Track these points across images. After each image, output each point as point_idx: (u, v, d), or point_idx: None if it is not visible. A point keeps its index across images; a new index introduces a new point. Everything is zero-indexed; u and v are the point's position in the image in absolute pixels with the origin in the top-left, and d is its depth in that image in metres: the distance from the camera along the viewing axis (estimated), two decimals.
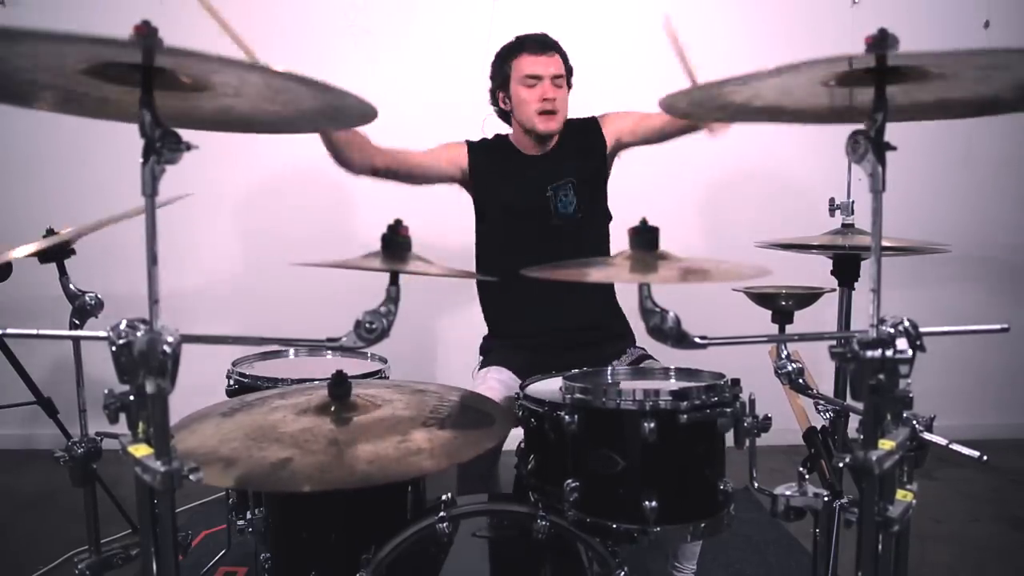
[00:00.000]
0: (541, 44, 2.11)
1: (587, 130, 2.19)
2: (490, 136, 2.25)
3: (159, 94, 0.86)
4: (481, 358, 2.19)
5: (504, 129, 2.26)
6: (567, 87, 2.15)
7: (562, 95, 2.11)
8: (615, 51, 3.39)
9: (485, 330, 2.29)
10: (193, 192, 1.29)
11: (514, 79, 2.12)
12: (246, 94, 0.97)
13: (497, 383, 1.94)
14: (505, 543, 1.40)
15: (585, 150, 2.17)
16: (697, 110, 1.10)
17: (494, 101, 2.21)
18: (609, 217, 2.23)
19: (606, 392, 1.35)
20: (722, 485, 1.35)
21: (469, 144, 2.21)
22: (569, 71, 2.16)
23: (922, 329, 0.91)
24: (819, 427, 1.52)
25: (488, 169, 2.17)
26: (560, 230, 2.11)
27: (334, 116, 1.07)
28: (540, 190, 2.12)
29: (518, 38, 2.15)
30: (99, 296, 1.47)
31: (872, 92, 0.91)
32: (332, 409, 1.29)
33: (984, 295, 3.57)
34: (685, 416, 1.30)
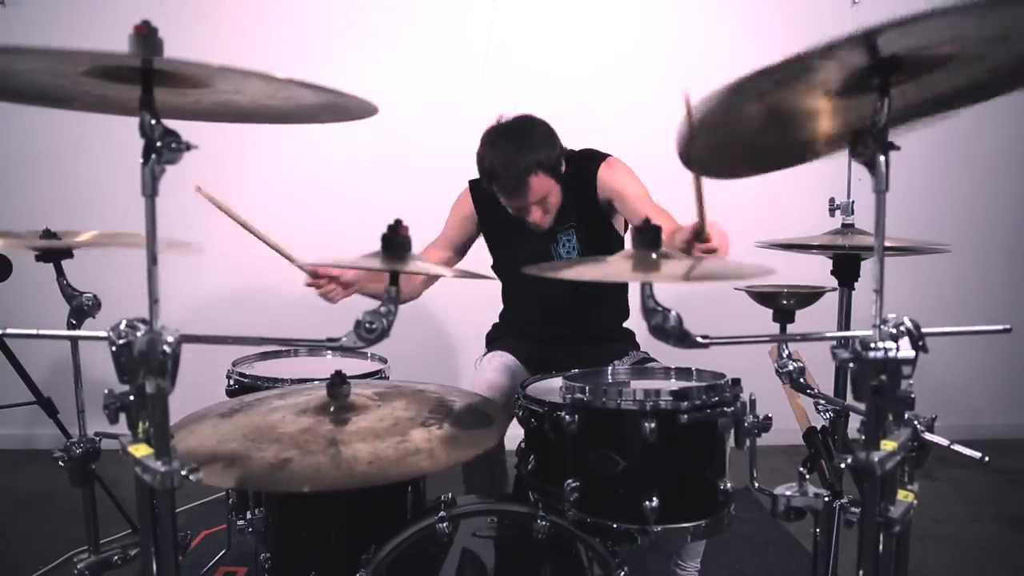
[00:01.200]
0: (512, 188, 1.90)
1: (583, 176, 2.02)
2: None
3: (159, 90, 0.86)
4: (486, 348, 2.21)
5: None
6: (557, 182, 1.96)
7: (551, 202, 1.96)
8: (615, 50, 3.39)
9: (486, 329, 2.30)
10: (203, 249, 1.29)
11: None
12: (246, 92, 0.97)
13: (501, 365, 1.95)
14: (505, 543, 1.40)
15: (581, 196, 2.04)
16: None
17: None
18: (620, 239, 2.15)
19: (606, 392, 1.35)
20: (722, 485, 1.35)
21: (472, 185, 2.13)
22: (555, 172, 1.94)
23: (924, 330, 0.91)
24: (819, 427, 1.51)
25: (492, 215, 2.11)
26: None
27: (335, 111, 1.07)
28: (542, 240, 2.07)
29: (486, 170, 1.92)
30: (97, 296, 1.46)
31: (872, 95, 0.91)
32: (331, 409, 1.29)
33: (984, 295, 3.56)
34: (685, 416, 1.30)
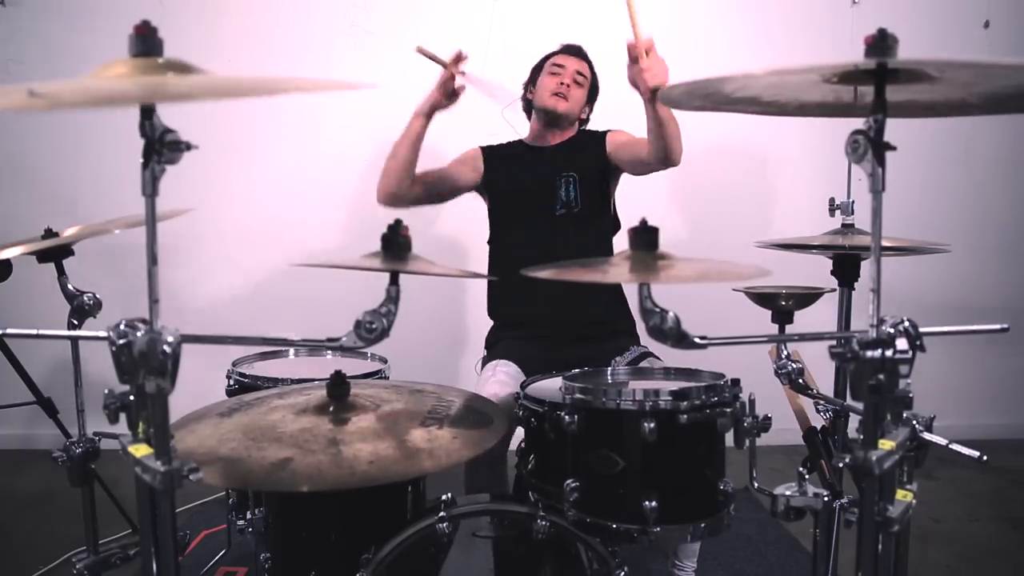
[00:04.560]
0: (575, 49, 2.35)
1: (594, 139, 2.31)
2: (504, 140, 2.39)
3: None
4: (486, 352, 2.21)
5: (515, 134, 2.39)
6: (587, 92, 2.32)
7: (578, 92, 2.27)
8: (614, 50, 3.38)
9: (485, 330, 2.30)
10: (195, 207, 1.30)
11: (543, 71, 2.32)
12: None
13: (505, 376, 1.95)
14: (505, 543, 1.40)
15: (589, 153, 2.27)
16: (692, 100, 1.11)
17: (524, 95, 2.40)
18: (617, 227, 2.34)
19: (606, 392, 1.35)
20: (722, 485, 1.35)
21: (483, 149, 2.35)
22: (594, 84, 2.35)
23: (922, 329, 0.91)
24: (819, 427, 1.52)
25: (502, 164, 2.31)
26: (563, 220, 2.20)
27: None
28: (549, 177, 2.23)
29: (561, 45, 2.37)
30: (97, 296, 1.47)
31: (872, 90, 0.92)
32: (331, 409, 1.29)
33: (983, 294, 3.56)
34: (685, 416, 1.30)
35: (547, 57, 2.36)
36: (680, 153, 1.99)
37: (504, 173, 2.31)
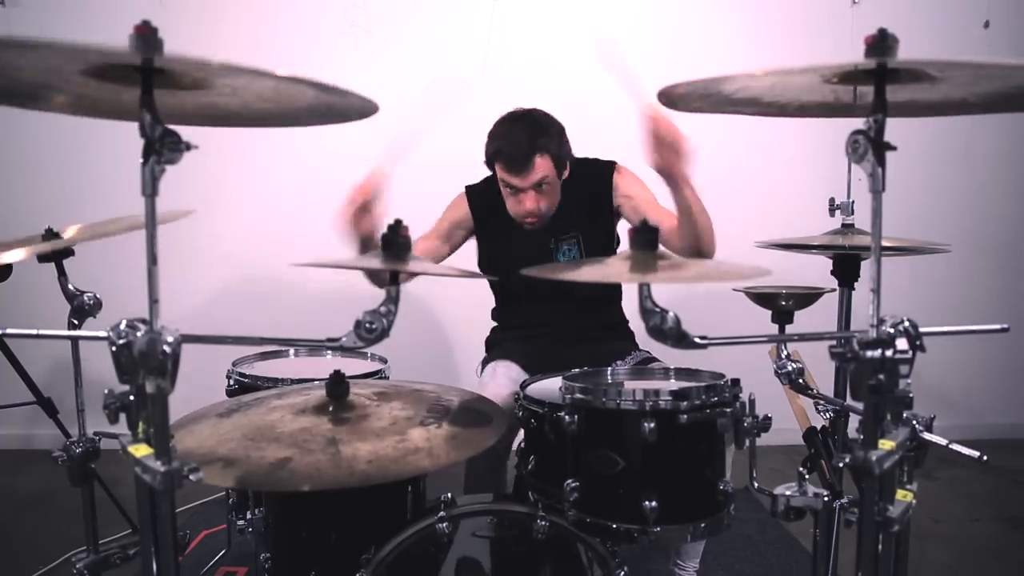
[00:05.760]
0: (516, 161, 1.91)
1: (598, 180, 2.07)
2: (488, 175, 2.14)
3: (158, 92, 0.86)
4: (486, 354, 2.20)
5: None
6: (558, 178, 1.99)
7: (549, 194, 1.97)
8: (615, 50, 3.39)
9: (485, 330, 2.30)
10: (195, 210, 1.29)
11: (497, 176, 2.00)
12: (245, 94, 0.97)
13: (506, 379, 1.95)
14: (505, 543, 1.40)
15: (593, 202, 2.07)
16: (692, 101, 1.11)
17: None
18: (618, 242, 2.17)
19: (606, 392, 1.34)
20: (722, 485, 1.35)
21: (468, 192, 2.16)
22: (559, 163, 1.97)
23: (922, 329, 0.91)
24: (819, 427, 1.52)
25: (489, 221, 2.12)
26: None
27: (334, 112, 1.07)
28: (543, 245, 2.07)
29: (495, 144, 1.95)
30: (97, 296, 1.47)
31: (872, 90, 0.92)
32: (330, 409, 1.29)
33: (984, 295, 3.56)
34: (685, 416, 1.30)
35: (492, 158, 1.96)
36: (713, 248, 1.74)
37: (492, 233, 2.10)
